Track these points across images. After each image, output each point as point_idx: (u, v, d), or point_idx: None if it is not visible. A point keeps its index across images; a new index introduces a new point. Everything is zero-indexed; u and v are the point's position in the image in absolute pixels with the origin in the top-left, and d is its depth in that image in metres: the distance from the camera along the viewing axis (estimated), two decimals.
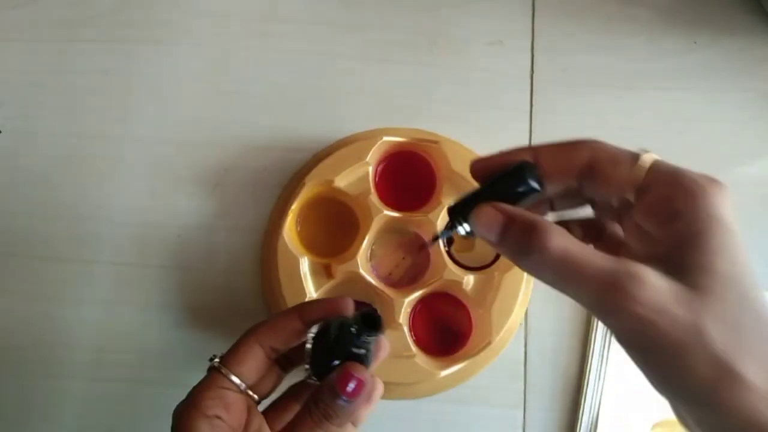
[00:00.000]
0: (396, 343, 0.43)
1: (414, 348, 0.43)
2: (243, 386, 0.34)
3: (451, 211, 0.30)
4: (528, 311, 0.47)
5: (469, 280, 0.45)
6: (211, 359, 0.34)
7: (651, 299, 0.23)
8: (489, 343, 0.43)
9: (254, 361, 0.34)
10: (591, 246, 0.26)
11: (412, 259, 0.47)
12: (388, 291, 0.44)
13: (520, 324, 0.47)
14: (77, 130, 0.49)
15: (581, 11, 0.52)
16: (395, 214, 0.45)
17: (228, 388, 0.33)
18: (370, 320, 0.32)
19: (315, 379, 0.34)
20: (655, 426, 0.46)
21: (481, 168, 0.30)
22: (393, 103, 0.50)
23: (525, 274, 0.45)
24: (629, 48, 0.52)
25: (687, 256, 0.25)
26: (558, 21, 0.52)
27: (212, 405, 0.32)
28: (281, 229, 0.44)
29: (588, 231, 0.32)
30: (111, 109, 0.50)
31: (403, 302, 0.44)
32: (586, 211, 0.31)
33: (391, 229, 0.46)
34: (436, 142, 0.46)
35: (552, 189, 0.29)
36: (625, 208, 0.28)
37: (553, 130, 0.50)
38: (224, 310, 0.47)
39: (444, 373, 0.43)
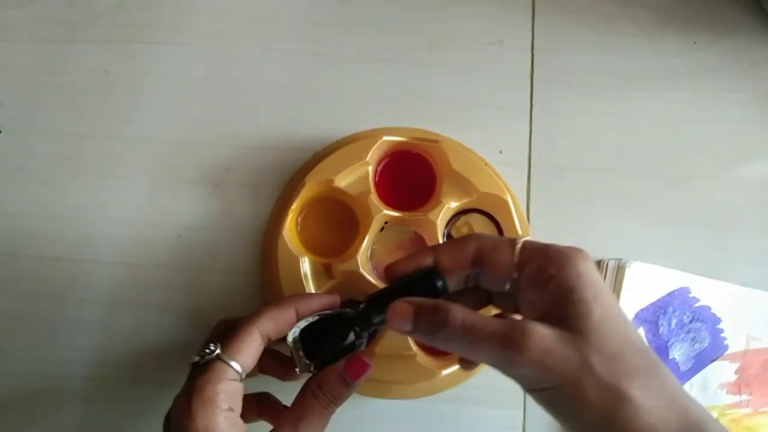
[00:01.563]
0: (396, 343, 0.43)
1: (414, 347, 0.43)
2: (243, 375, 0.34)
3: (369, 303, 0.36)
4: None
5: None
6: (208, 349, 0.34)
7: (540, 344, 0.28)
8: None
9: (254, 351, 0.35)
10: (489, 315, 0.32)
11: None
12: None
13: None
14: (77, 130, 0.49)
15: (581, 11, 0.52)
16: (395, 214, 0.45)
17: (234, 379, 0.34)
18: (374, 307, 0.36)
19: (310, 366, 0.36)
20: None
21: (394, 272, 0.36)
22: (393, 103, 0.50)
23: None
24: (629, 48, 0.52)
25: (564, 309, 0.30)
26: (558, 21, 0.52)
27: (226, 399, 0.33)
28: (281, 228, 0.44)
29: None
30: (111, 109, 0.50)
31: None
32: None
33: (391, 228, 0.46)
34: (436, 141, 0.46)
35: (453, 283, 0.35)
36: (515, 290, 0.34)
37: (553, 130, 0.50)
38: (224, 310, 0.47)
39: (444, 372, 0.43)
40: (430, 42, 0.52)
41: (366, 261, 0.45)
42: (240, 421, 0.33)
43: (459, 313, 0.31)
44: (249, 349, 0.35)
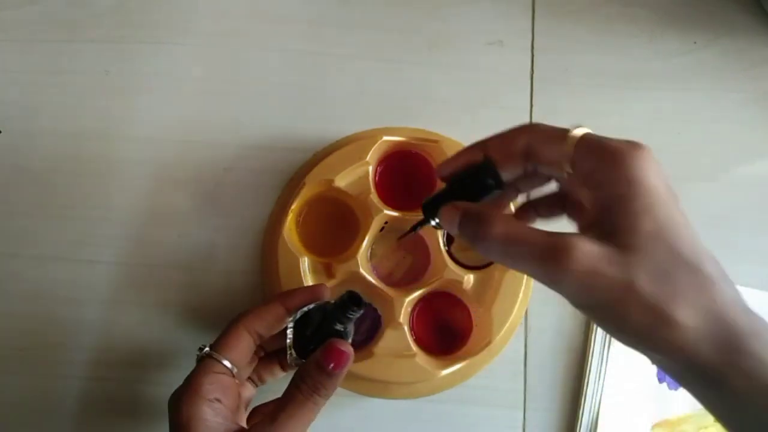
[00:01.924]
0: (396, 343, 0.43)
1: (414, 347, 0.43)
2: (234, 370, 0.36)
3: (425, 207, 0.35)
4: (528, 311, 0.47)
5: (470, 279, 0.45)
6: (201, 349, 0.37)
7: (584, 264, 0.27)
8: (489, 342, 0.43)
9: (243, 347, 0.37)
10: (532, 226, 0.30)
11: (412, 259, 0.47)
12: (389, 290, 0.44)
13: (521, 323, 0.47)
14: (77, 130, 0.49)
15: (581, 11, 0.52)
16: (395, 214, 0.45)
17: (222, 373, 0.35)
18: (355, 297, 0.36)
19: (300, 359, 0.37)
20: (655, 426, 0.46)
21: (447, 170, 0.34)
22: (393, 103, 0.50)
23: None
24: (629, 48, 0.52)
25: (613, 221, 0.28)
26: (558, 21, 0.52)
27: (212, 389, 0.34)
28: (281, 228, 0.44)
29: (552, 206, 0.36)
30: (111, 109, 0.50)
31: (404, 301, 0.44)
32: (551, 187, 0.35)
33: (391, 228, 0.46)
34: (436, 141, 0.46)
35: (508, 176, 0.32)
36: (572, 187, 0.32)
37: None
38: (224, 310, 0.47)
39: (444, 372, 0.43)
40: (430, 42, 0.52)
41: (366, 261, 0.45)
42: (227, 413, 0.35)
43: (501, 224, 0.29)
44: (237, 345, 0.36)
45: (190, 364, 0.37)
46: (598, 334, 0.47)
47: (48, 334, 0.46)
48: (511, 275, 0.44)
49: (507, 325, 0.44)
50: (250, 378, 0.40)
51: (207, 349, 0.36)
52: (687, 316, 0.26)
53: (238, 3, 0.52)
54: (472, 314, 0.46)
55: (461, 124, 0.50)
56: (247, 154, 0.49)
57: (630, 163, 0.28)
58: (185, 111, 0.50)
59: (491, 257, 0.31)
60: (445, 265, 0.44)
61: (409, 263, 0.47)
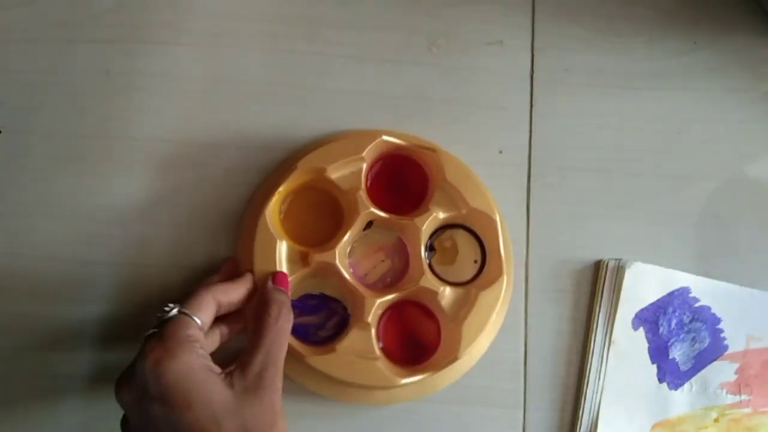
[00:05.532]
0: (360, 344, 0.42)
1: (378, 351, 0.42)
2: (206, 329, 0.37)
3: None
4: (528, 311, 0.47)
5: (445, 291, 0.44)
6: (169, 307, 0.37)
7: None
8: (455, 359, 0.43)
9: (209, 309, 0.38)
10: None
11: (390, 264, 0.46)
12: (361, 289, 0.44)
13: (487, 349, 0.46)
14: (77, 130, 0.49)
15: (581, 11, 0.52)
16: (383, 214, 0.45)
17: (197, 329, 0.36)
18: None
19: None
20: (654, 426, 0.46)
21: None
22: (392, 103, 0.50)
23: (502, 295, 0.44)
24: (629, 48, 0.52)
25: None
26: (558, 21, 0.52)
27: (195, 339, 0.35)
28: (264, 208, 0.43)
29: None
30: (111, 109, 0.50)
31: (375, 302, 0.43)
32: None
33: (375, 229, 0.46)
34: (434, 151, 0.45)
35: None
36: None
37: (553, 130, 0.50)
38: None
39: (404, 381, 0.42)
40: (430, 42, 0.52)
41: (344, 255, 0.44)
42: (210, 359, 0.35)
43: None
44: (206, 308, 0.38)
45: None
46: (598, 334, 0.47)
47: (48, 334, 0.46)
48: (488, 294, 0.44)
49: (475, 344, 0.43)
50: None
51: (177, 307, 0.37)
52: None
53: (238, 3, 0.52)
54: (442, 328, 0.45)
55: (461, 124, 0.50)
56: (247, 154, 0.49)
57: None
58: (185, 111, 0.50)
59: None
60: (423, 274, 0.44)
61: (386, 267, 0.46)
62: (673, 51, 0.52)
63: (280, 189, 0.44)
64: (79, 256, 0.47)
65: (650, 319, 0.47)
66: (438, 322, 0.45)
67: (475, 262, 0.46)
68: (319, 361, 0.42)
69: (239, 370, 0.35)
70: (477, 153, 0.49)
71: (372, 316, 0.43)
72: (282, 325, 0.38)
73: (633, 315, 0.47)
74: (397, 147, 0.46)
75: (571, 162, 0.50)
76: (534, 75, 0.51)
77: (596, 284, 0.48)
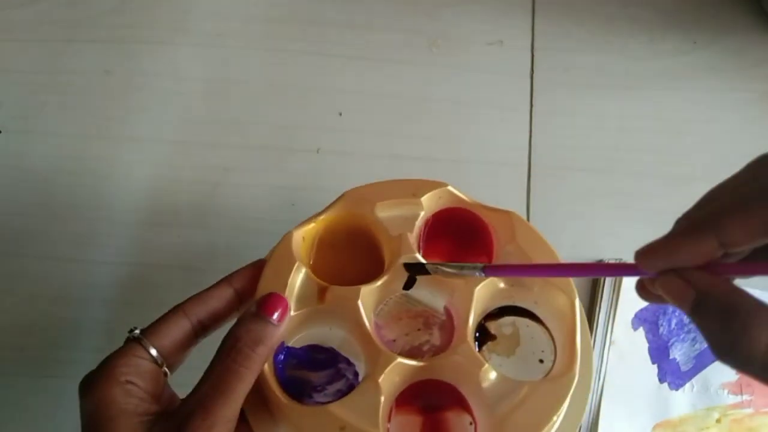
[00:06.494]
0: (363, 408, 0.31)
1: (382, 430, 0.31)
2: (160, 360, 0.33)
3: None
4: None
5: (490, 374, 0.32)
6: (131, 330, 0.34)
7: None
8: None
9: (177, 335, 0.34)
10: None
11: (429, 337, 0.36)
12: (380, 343, 0.33)
13: None
14: (77, 130, 0.49)
15: (581, 11, 0.52)
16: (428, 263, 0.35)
17: (144, 358, 0.33)
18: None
19: None
20: (656, 426, 0.46)
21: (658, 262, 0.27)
22: (392, 103, 0.50)
23: (569, 393, 0.32)
24: (629, 48, 0.52)
25: None
26: (558, 21, 0.52)
27: (126, 372, 0.32)
28: (296, 229, 0.36)
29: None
30: (111, 109, 0.50)
31: (393, 360, 0.32)
32: None
33: (418, 290, 0.36)
34: (507, 212, 0.37)
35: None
36: None
37: (553, 130, 0.50)
38: None
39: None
40: (430, 42, 0.52)
41: (372, 299, 0.35)
42: (144, 395, 0.32)
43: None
44: (171, 332, 0.34)
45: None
46: (598, 334, 0.47)
47: (48, 334, 0.46)
48: (547, 390, 0.32)
49: None
50: None
51: (137, 332, 0.34)
52: None
53: (238, 3, 0.52)
54: (477, 423, 0.33)
55: (461, 125, 0.50)
56: (247, 154, 0.49)
57: None
58: (185, 111, 0.50)
59: (743, 370, 0.23)
60: (463, 343, 0.33)
61: (422, 339, 0.36)
62: (673, 51, 0.52)
63: (321, 217, 0.37)
64: (79, 256, 0.47)
65: (650, 319, 0.47)
66: (471, 413, 0.33)
67: (541, 361, 0.36)
68: (297, 413, 0.31)
69: (167, 414, 0.31)
70: (477, 153, 0.49)
71: (385, 377, 0.32)
72: (234, 367, 0.31)
73: (633, 315, 0.47)
74: (461, 201, 0.38)
75: (571, 162, 0.50)
76: (534, 75, 0.51)
77: (596, 284, 0.47)
